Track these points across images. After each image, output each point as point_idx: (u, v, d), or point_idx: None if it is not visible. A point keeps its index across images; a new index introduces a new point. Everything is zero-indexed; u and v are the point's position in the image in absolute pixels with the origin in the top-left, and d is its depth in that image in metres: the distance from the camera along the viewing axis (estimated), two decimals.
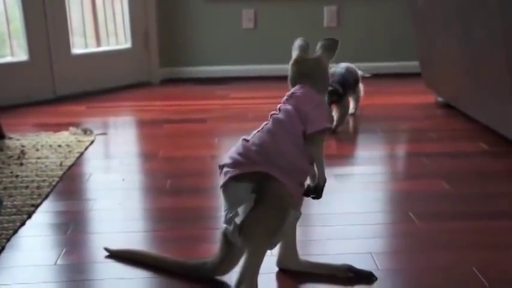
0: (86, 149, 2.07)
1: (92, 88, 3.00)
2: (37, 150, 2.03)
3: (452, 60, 2.28)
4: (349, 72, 2.32)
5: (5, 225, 1.43)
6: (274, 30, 3.33)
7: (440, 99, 2.65)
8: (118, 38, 3.21)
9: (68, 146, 2.08)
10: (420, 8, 2.47)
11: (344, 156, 2.04)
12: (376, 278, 1.18)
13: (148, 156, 2.01)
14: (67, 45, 2.91)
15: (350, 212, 1.53)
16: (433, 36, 2.45)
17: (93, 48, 3.12)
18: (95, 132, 2.26)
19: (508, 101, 1.85)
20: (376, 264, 1.24)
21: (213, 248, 1.34)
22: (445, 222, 1.44)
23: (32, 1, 2.73)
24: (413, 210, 1.50)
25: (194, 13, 3.31)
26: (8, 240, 1.37)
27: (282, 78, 3.56)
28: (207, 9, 3.30)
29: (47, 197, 1.63)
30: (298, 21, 3.29)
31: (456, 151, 2.01)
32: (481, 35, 1.94)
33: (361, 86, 2.43)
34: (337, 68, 2.30)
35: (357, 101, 2.44)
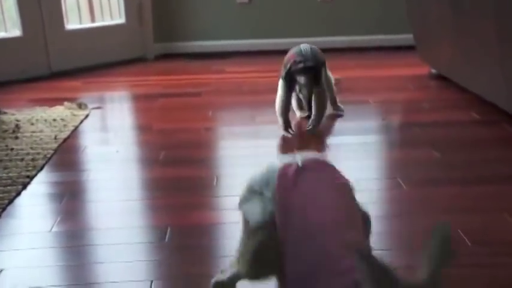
0: (81, 122, 2.09)
1: (87, 63, 3.00)
2: (32, 124, 2.04)
3: (446, 32, 2.28)
4: (317, 51, 1.96)
5: (0, 195, 1.45)
6: (268, 5, 3.31)
7: (434, 71, 2.66)
8: (112, 13, 3.20)
9: (62, 120, 2.09)
10: None
11: (336, 126, 2.05)
12: None
13: (143, 129, 2.03)
14: (61, 20, 2.90)
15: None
16: (426, 7, 2.44)
17: (87, 24, 3.11)
18: (90, 106, 2.28)
19: (497, 71, 1.86)
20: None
21: (206, 215, 1.37)
22: (433, 188, 1.47)
23: None
24: (402, 177, 1.53)
25: None
26: (4, 209, 1.39)
27: (276, 52, 3.60)
28: None
29: (41, 168, 1.66)
30: None
31: (448, 120, 2.02)
32: (471, 5, 1.94)
33: (329, 73, 2.11)
34: (300, 46, 1.95)
35: (331, 91, 2.10)
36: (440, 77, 2.58)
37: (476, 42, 1.99)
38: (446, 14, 2.20)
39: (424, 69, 2.71)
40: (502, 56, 1.80)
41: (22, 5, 2.74)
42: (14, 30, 2.81)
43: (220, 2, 3.31)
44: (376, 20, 3.31)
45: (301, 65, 1.88)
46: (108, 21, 3.18)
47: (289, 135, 1.92)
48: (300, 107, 2.12)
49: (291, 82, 1.94)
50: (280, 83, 1.97)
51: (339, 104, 2.14)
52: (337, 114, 2.12)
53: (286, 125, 1.94)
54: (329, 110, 2.07)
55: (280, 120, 1.95)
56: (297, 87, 2.02)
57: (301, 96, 2.07)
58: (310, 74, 1.90)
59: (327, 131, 2.00)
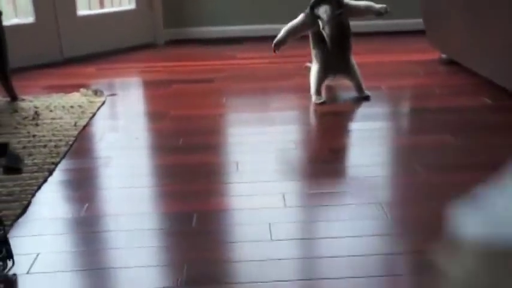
0: (98, 109, 2.12)
1: (98, 49, 3.02)
2: (50, 111, 2.07)
3: (456, 16, 2.30)
4: None
5: (29, 181, 1.49)
6: None
7: (444, 56, 2.67)
8: None
9: (80, 106, 2.12)
10: None
11: (350, 112, 2.09)
12: None
13: (159, 116, 2.06)
14: (73, 6, 2.91)
15: (355, 165, 1.59)
16: None
17: (98, 10, 3.12)
18: (105, 93, 2.31)
19: (509, 55, 1.88)
20: (385, 213, 1.31)
21: (225, 201, 1.41)
22: (450, 174, 1.50)
23: None
24: (419, 163, 1.56)
25: None
26: (33, 195, 1.43)
27: None
28: None
29: (65, 155, 1.69)
30: None
31: (460, 106, 2.05)
32: None
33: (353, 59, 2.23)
34: None
35: (357, 77, 2.21)
36: (450, 62, 2.60)
37: (488, 26, 2.01)
38: None
39: (434, 55, 2.73)
40: None
41: None
42: (27, 17, 2.82)
43: None
44: (384, 3, 3.31)
45: None
46: (117, 7, 3.19)
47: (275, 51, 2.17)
48: (318, 91, 2.14)
49: (313, 17, 2.09)
50: (300, 16, 2.13)
51: (365, 90, 2.18)
52: (364, 98, 2.16)
53: (278, 45, 2.12)
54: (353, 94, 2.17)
55: (281, 36, 2.13)
56: (320, 25, 2.08)
57: (324, 34, 2.09)
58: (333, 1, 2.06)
59: (347, 116, 2.03)
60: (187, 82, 2.50)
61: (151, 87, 2.49)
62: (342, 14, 2.09)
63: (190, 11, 3.36)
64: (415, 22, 3.02)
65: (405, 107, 2.15)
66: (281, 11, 3.28)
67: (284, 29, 2.16)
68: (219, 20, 3.37)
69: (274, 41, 2.15)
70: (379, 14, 2.16)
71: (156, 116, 2.08)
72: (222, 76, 2.58)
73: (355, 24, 2.18)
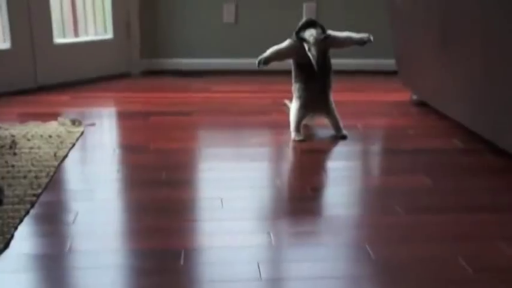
0: (77, 139, 2.10)
1: (73, 78, 3.01)
2: (28, 140, 2.04)
3: (429, 59, 2.41)
4: None
5: (11, 214, 1.46)
6: (254, 25, 3.40)
7: (415, 97, 2.78)
8: (97, 28, 3.21)
9: (58, 136, 2.10)
10: (399, 8, 2.58)
11: (328, 151, 2.13)
12: None
13: (140, 149, 2.06)
14: (50, 34, 2.90)
15: (337, 204, 1.63)
16: (411, 35, 2.56)
17: (75, 38, 3.11)
18: (83, 123, 2.29)
19: (482, 102, 1.98)
20: (369, 254, 1.34)
21: (212, 238, 1.41)
22: (430, 215, 1.56)
23: None
24: (398, 203, 1.61)
25: (176, 5, 3.34)
26: (16, 228, 1.41)
27: (262, 73, 3.70)
28: (188, 2, 3.34)
29: (46, 187, 1.67)
30: (278, 17, 3.37)
31: (433, 147, 2.13)
32: (458, 37, 2.06)
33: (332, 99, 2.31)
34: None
35: (335, 116, 2.27)
36: (420, 103, 2.70)
37: (461, 72, 2.11)
38: (431, 42, 2.32)
39: (406, 95, 2.84)
40: (487, 88, 1.92)
41: (12, 17, 2.73)
42: (3, 42, 2.79)
43: (207, 21, 3.38)
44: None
45: (309, 20, 2.20)
46: (95, 36, 3.19)
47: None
48: (298, 128, 2.19)
49: (298, 41, 2.16)
50: (287, 41, 2.20)
51: (343, 129, 2.23)
52: (341, 137, 2.21)
53: (262, 62, 2.19)
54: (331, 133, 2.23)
55: (267, 54, 2.20)
56: (306, 47, 2.14)
57: (310, 55, 2.14)
58: (318, 27, 2.16)
59: (326, 154, 2.08)
60: (165, 114, 2.51)
61: (129, 118, 2.48)
62: (327, 39, 2.16)
63: (167, 42, 3.39)
64: (391, 63, 3.14)
65: (381, 147, 2.21)
66: (254, 46, 3.34)
67: (270, 50, 2.21)
68: (193, 52, 3.42)
69: (259, 58, 2.19)
70: (362, 42, 2.23)
71: (136, 148, 2.07)
72: (199, 109, 2.60)
73: (333, 62, 2.24)
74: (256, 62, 2.18)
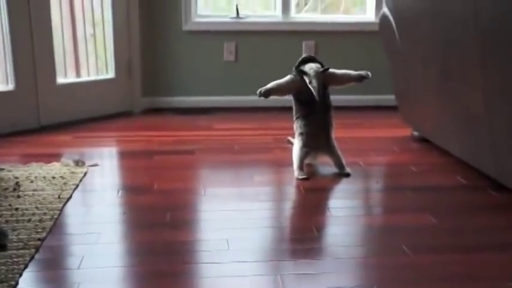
0: (81, 180, 2.10)
1: (75, 118, 3.03)
2: (31, 182, 2.05)
3: (430, 95, 2.43)
4: None
5: (15, 259, 1.45)
6: (254, 63, 3.44)
7: (416, 133, 2.80)
8: (99, 67, 3.25)
9: (62, 177, 2.10)
10: (397, 45, 2.63)
11: (332, 189, 2.14)
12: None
13: (144, 189, 2.06)
14: (53, 74, 2.93)
15: (343, 245, 1.62)
16: (411, 73, 2.60)
17: (78, 78, 3.14)
18: (87, 163, 2.30)
19: (484, 139, 2.00)
20: None
21: (220, 281, 1.40)
22: (438, 255, 1.55)
23: (19, 30, 2.75)
24: (405, 243, 1.61)
25: (176, 45, 3.39)
26: (21, 275, 1.40)
27: (262, 110, 3.71)
28: (189, 42, 3.39)
29: (50, 230, 1.66)
30: (277, 55, 3.42)
31: (436, 185, 2.14)
32: (459, 73, 2.09)
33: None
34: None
35: (338, 154, 2.29)
36: (422, 140, 2.71)
37: (462, 109, 2.13)
38: (432, 78, 2.35)
39: (406, 131, 2.85)
40: (489, 125, 1.94)
41: (17, 59, 2.76)
42: (5, 84, 2.82)
43: (208, 59, 3.42)
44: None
45: (309, 56, 2.28)
46: (97, 76, 3.22)
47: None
48: (301, 167, 2.20)
49: (299, 75, 2.20)
50: (287, 76, 2.24)
51: (346, 167, 2.24)
52: (344, 174, 2.21)
53: (264, 92, 2.19)
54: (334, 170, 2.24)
55: (269, 86, 2.21)
56: (307, 80, 2.18)
57: (311, 87, 2.16)
58: (317, 62, 2.23)
59: (329, 193, 2.08)
60: (168, 153, 2.51)
61: (132, 157, 2.49)
62: (325, 71, 2.19)
63: (168, 81, 3.43)
64: (391, 98, 3.16)
65: (385, 185, 2.22)
66: (254, 84, 3.38)
67: (271, 83, 2.23)
68: (194, 90, 3.45)
69: (261, 88, 2.20)
70: (360, 78, 2.26)
71: (141, 189, 2.07)
72: (201, 148, 2.61)
73: (333, 98, 2.26)
74: (257, 92, 2.20)
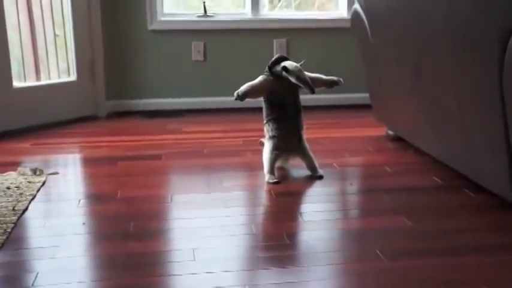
0: (38, 190, 2.03)
1: (34, 123, 2.94)
2: None
3: (404, 96, 2.43)
4: None
5: None
6: (223, 63, 3.40)
7: (391, 132, 2.79)
8: (61, 70, 3.17)
9: (18, 188, 2.03)
10: (369, 43, 2.61)
11: (304, 193, 2.11)
12: None
13: (106, 198, 2.00)
14: (9, 78, 2.84)
15: (316, 251, 1.59)
16: (384, 71, 2.59)
17: (38, 82, 3.06)
18: (45, 172, 2.22)
19: (458, 138, 1.99)
20: None
21: None
22: (413, 260, 1.53)
23: None
24: (379, 248, 1.58)
25: (142, 45, 3.33)
26: None
27: (232, 111, 3.69)
28: (155, 42, 3.33)
29: (3, 245, 1.59)
30: (248, 55, 3.39)
31: (412, 186, 2.12)
32: (432, 73, 2.08)
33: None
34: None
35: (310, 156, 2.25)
36: (397, 139, 2.71)
37: (436, 108, 2.13)
38: (405, 76, 2.34)
39: (381, 130, 2.84)
40: (462, 124, 1.94)
41: None
42: None
43: (175, 59, 3.37)
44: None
45: (282, 56, 2.20)
46: (58, 79, 3.14)
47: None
48: (271, 170, 2.16)
49: (273, 75, 2.15)
50: (260, 77, 2.18)
51: (318, 169, 2.21)
52: (317, 177, 2.18)
53: (240, 95, 2.14)
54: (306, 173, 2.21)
55: (244, 89, 2.15)
56: (290, 77, 2.11)
57: (300, 82, 2.10)
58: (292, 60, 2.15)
59: (301, 196, 2.05)
60: (134, 159, 2.46)
61: (95, 164, 2.42)
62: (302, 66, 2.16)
63: (133, 83, 3.37)
64: (364, 96, 3.15)
65: (359, 187, 2.20)
66: (224, 84, 3.35)
67: (244, 85, 2.18)
68: (162, 92, 3.40)
69: (237, 91, 2.15)
70: (331, 83, 2.25)
71: (103, 197, 2.01)
72: (169, 152, 2.56)
73: (305, 98, 2.23)
74: (234, 94, 2.15)
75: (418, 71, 2.19)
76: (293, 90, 2.17)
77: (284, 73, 2.11)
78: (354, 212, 1.94)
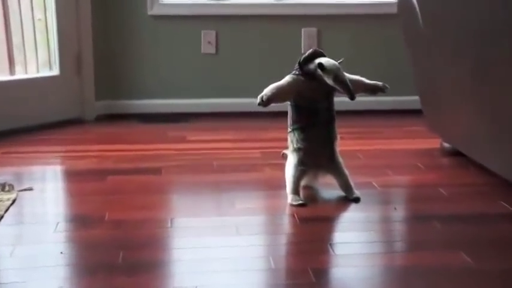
0: (7, 211, 2.05)
1: (6, 128, 2.98)
2: None
3: (464, 99, 2.40)
4: None
5: None
6: (239, 57, 3.41)
7: (446, 144, 2.76)
8: (41, 62, 3.21)
9: None
10: (420, 32, 2.59)
11: (336, 218, 2.10)
12: None
13: (91, 221, 2.00)
14: None
15: None
16: (439, 69, 2.56)
17: (11, 76, 3.10)
18: (17, 187, 2.24)
19: None
20: None
21: None
22: None
23: None
24: None
25: (140, 33, 3.36)
26: None
27: (249, 116, 3.72)
28: (156, 30, 3.37)
29: None
30: (269, 47, 3.39)
31: (473, 213, 2.09)
32: (501, 72, 2.05)
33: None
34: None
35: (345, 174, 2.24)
36: (454, 153, 2.68)
37: (505, 116, 2.10)
38: (464, 76, 2.32)
39: (434, 142, 2.83)
40: None
41: None
42: None
43: (181, 52, 3.40)
44: (373, 76, 3.44)
45: (316, 51, 2.18)
46: (38, 73, 3.19)
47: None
48: (296, 190, 2.15)
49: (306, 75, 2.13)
50: (287, 77, 2.17)
51: (354, 189, 2.19)
52: (352, 199, 2.17)
53: (264, 100, 2.10)
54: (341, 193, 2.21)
55: (268, 92, 2.12)
56: (329, 78, 2.10)
57: (338, 83, 2.08)
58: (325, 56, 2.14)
59: (332, 223, 2.03)
60: (127, 173, 2.49)
61: (79, 179, 2.45)
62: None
63: (129, 79, 3.40)
64: (413, 99, 3.11)
65: (406, 213, 2.17)
66: (238, 83, 3.35)
67: (268, 87, 2.15)
68: (164, 92, 3.43)
69: (261, 95, 2.12)
70: (375, 90, 2.23)
71: (87, 220, 2.02)
72: (170, 165, 2.58)
73: (338, 100, 2.21)
74: (258, 99, 2.13)
75: (481, 69, 2.16)
76: (327, 94, 2.15)
77: (319, 71, 2.08)
78: (398, 245, 1.91)
